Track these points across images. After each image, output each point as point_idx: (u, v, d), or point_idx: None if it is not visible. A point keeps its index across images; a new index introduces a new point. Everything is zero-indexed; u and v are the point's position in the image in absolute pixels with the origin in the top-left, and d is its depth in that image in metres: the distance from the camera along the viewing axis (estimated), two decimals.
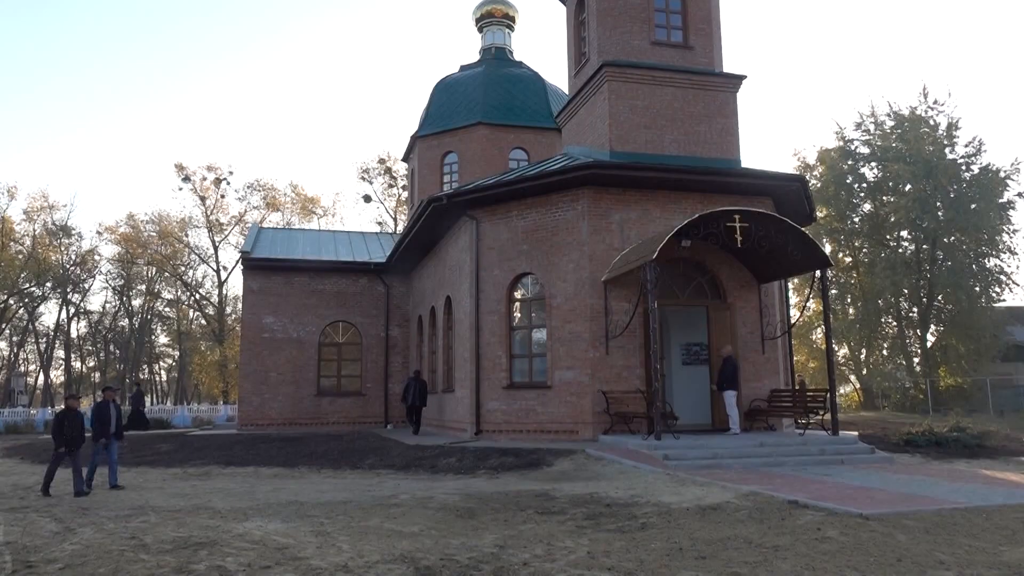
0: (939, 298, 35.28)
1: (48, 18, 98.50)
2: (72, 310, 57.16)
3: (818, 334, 37.51)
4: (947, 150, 34.90)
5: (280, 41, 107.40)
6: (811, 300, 29.74)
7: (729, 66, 18.42)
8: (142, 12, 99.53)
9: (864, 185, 37.11)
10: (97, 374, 65.08)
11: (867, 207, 37.54)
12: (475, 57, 31.46)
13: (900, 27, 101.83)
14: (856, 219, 37.63)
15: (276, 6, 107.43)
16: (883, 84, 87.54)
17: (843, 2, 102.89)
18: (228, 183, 54.37)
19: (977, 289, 34.31)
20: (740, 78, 17.85)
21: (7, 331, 56.07)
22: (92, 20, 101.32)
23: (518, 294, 17.31)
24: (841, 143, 37.52)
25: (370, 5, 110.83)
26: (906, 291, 35.25)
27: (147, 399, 28.77)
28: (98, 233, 56.55)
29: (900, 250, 36.00)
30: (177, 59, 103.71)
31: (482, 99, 27.59)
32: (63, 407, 12.19)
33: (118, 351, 62.89)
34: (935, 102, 35.99)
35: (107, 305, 60.94)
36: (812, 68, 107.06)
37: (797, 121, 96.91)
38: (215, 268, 55.14)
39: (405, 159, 32.31)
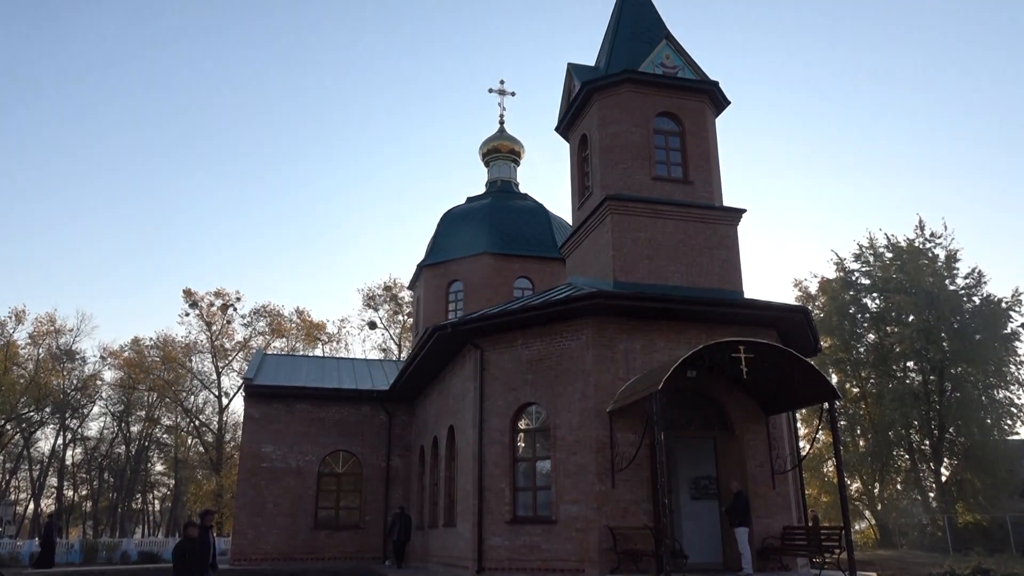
0: (950, 431, 34.61)
1: (62, 137, 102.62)
2: (69, 436, 56.35)
3: (829, 467, 36.60)
4: (947, 281, 35.22)
5: (290, 170, 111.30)
6: (820, 432, 29.30)
7: (729, 199, 18.95)
8: (153, 134, 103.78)
9: (867, 315, 37.24)
10: (89, 503, 63.33)
11: (871, 337, 37.50)
12: (481, 189, 32.47)
13: (892, 158, 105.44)
14: (861, 349, 37.51)
15: (287, 133, 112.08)
16: (878, 211, 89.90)
17: (836, 134, 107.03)
18: (235, 309, 54.85)
19: (988, 421, 33.71)
20: (740, 212, 18.27)
21: (1, 457, 55.08)
22: (106, 139, 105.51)
23: (522, 424, 17.02)
24: (842, 274, 37.95)
25: (379, 138, 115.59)
26: (916, 423, 34.64)
27: (59, 536, 27.43)
28: (102, 358, 56.54)
29: (908, 381, 35.65)
30: (188, 181, 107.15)
31: (487, 229, 28.22)
32: (183, 536, 11.53)
33: (112, 479, 61.48)
34: (932, 235, 36.67)
35: (105, 431, 60.16)
36: (808, 197, 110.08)
37: (796, 248, 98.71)
38: (217, 394, 54.76)
39: (411, 287, 32.72)
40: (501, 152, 32.56)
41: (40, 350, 54.61)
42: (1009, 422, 33.98)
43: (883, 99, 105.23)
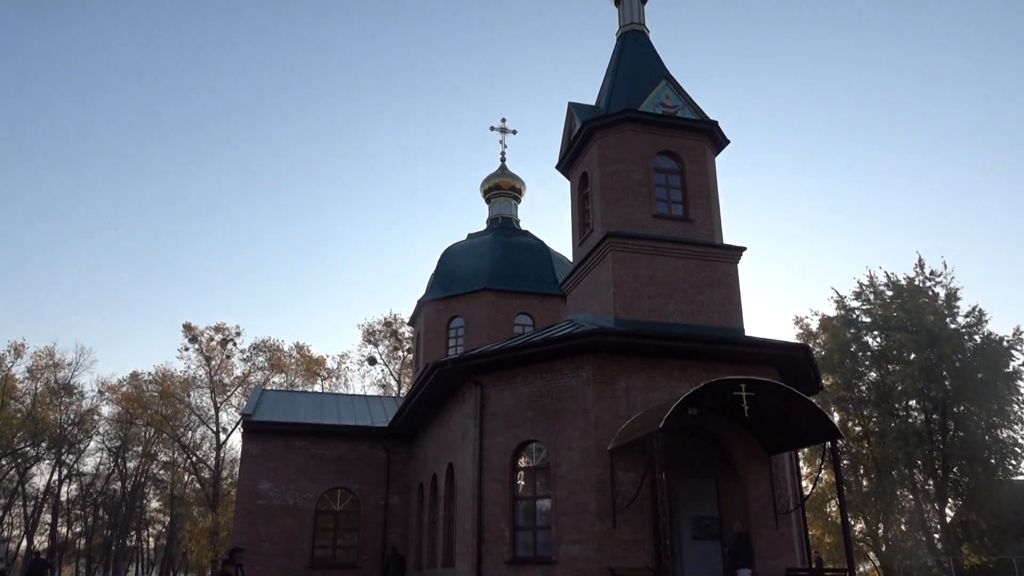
0: (954, 471, 34.26)
1: (63, 168, 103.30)
2: (65, 472, 55.85)
3: (832, 507, 36.18)
4: (948, 320, 35.13)
5: (291, 204, 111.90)
6: (823, 471, 29.02)
7: (729, 236, 19.03)
8: (155, 168, 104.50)
9: (868, 353, 37.08)
10: (83, 540, 62.53)
11: (873, 375, 37.30)
12: (482, 225, 32.59)
13: (891, 195, 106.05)
14: (863, 388, 37.28)
15: (289, 169, 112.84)
16: (878, 248, 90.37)
17: (835, 172, 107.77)
18: (235, 344, 54.72)
19: (992, 461, 33.38)
20: (740, 249, 18.32)
21: None
22: (107, 171, 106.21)
23: (522, 462, 16.86)
24: (842, 311, 37.86)
25: (381, 175, 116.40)
26: (920, 463, 34.31)
27: (51, 574, 26.77)
28: (100, 392, 56.30)
29: (910, 420, 35.38)
30: (190, 215, 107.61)
31: (488, 266, 28.26)
32: (220, 572, 11.24)
33: (107, 516, 60.81)
34: (931, 273, 36.63)
35: (101, 467, 59.62)
36: (808, 234, 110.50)
37: (795, 284, 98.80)
38: (215, 430, 54.37)
39: (411, 323, 32.67)
40: (502, 189, 32.75)
41: (38, 384, 54.45)
42: (1013, 462, 33.66)
43: (882, 136, 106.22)
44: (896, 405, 36.12)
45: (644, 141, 18.76)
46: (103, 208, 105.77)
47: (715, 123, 19.42)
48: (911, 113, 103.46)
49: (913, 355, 34.62)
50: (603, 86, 21.13)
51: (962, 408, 34.23)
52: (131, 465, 59.36)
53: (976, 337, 34.98)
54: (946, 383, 33.88)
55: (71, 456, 55.76)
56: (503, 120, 34.39)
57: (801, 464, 25.35)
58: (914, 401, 35.72)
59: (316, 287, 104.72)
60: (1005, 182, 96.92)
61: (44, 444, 52.84)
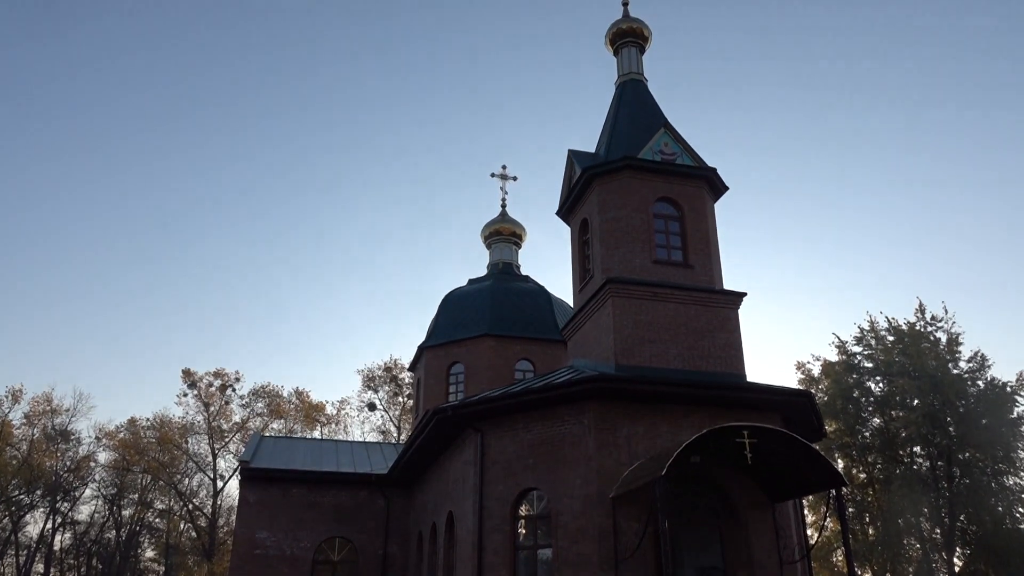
0: (961, 518, 33.76)
1: (62, 212, 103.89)
2: (59, 520, 55.08)
3: (838, 556, 35.58)
4: (950, 365, 34.97)
5: (291, 248, 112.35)
6: (828, 519, 28.64)
7: (729, 282, 19.08)
8: (154, 211, 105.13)
9: (871, 399, 36.84)
10: None
11: (876, 421, 37.01)
12: (483, 271, 32.68)
13: (890, 239, 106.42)
14: (867, 434, 36.97)
15: (289, 212, 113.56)
16: (877, 292, 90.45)
17: (832, 214, 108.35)
18: (234, 390, 54.53)
19: (1000, 509, 32.92)
20: (740, 295, 18.35)
21: None
22: (106, 213, 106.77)
23: (523, 510, 16.64)
24: (844, 357, 37.73)
25: (381, 220, 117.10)
26: (926, 510, 33.84)
27: None
28: (97, 439, 55.83)
29: (915, 467, 35.01)
30: (191, 260, 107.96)
31: (489, 311, 28.26)
32: None
33: (100, 565, 59.77)
34: (932, 318, 36.56)
35: (96, 515, 58.82)
36: (809, 277, 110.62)
37: (796, 328, 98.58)
38: (212, 477, 53.81)
39: (412, 368, 32.55)
40: (503, 235, 32.92)
41: (35, 430, 54.04)
42: (1021, 510, 33.18)
43: (883, 179, 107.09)
44: (900, 452, 35.76)
45: (643, 188, 18.93)
46: (101, 250, 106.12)
47: (713, 170, 19.62)
48: (913, 154, 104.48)
49: (916, 401, 34.37)
50: (603, 133, 21.40)
51: (967, 455, 33.88)
52: (126, 513, 58.58)
53: (979, 382, 34.76)
54: (950, 429, 33.59)
55: (66, 504, 55.07)
56: (504, 167, 34.74)
57: (806, 512, 25.02)
58: (918, 447, 35.36)
59: (316, 332, 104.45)
60: (1006, 226, 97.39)
61: (39, 491, 52.21)
